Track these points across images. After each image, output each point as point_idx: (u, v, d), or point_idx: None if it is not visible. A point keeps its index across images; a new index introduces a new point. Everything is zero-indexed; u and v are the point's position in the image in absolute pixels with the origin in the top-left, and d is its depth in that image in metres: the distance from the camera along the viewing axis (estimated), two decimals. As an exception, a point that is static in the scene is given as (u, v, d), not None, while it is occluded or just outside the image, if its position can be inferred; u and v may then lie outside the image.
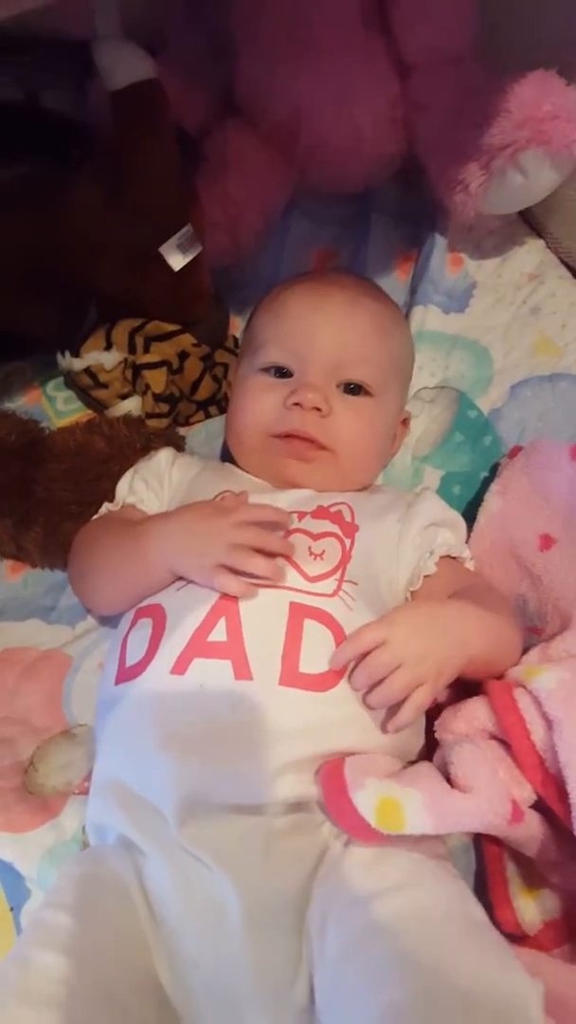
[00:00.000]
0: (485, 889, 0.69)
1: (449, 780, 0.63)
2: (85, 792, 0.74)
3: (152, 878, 0.61)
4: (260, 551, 0.68)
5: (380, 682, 0.63)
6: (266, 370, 0.82)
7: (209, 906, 0.59)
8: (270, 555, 0.69)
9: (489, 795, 0.62)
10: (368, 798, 0.58)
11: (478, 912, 0.58)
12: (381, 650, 0.63)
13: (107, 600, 0.79)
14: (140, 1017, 0.57)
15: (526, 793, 0.64)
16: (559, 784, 0.62)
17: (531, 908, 0.68)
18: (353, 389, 0.80)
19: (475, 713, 0.68)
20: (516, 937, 0.67)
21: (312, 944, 0.58)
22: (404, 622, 0.65)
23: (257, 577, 0.67)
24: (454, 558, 0.77)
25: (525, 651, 0.73)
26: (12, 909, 0.73)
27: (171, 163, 0.82)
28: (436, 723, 0.70)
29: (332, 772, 0.61)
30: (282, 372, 0.81)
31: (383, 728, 0.65)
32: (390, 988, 0.50)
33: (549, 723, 0.63)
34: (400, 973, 0.51)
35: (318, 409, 0.78)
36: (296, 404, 0.78)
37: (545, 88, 0.82)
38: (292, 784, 0.61)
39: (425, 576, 0.74)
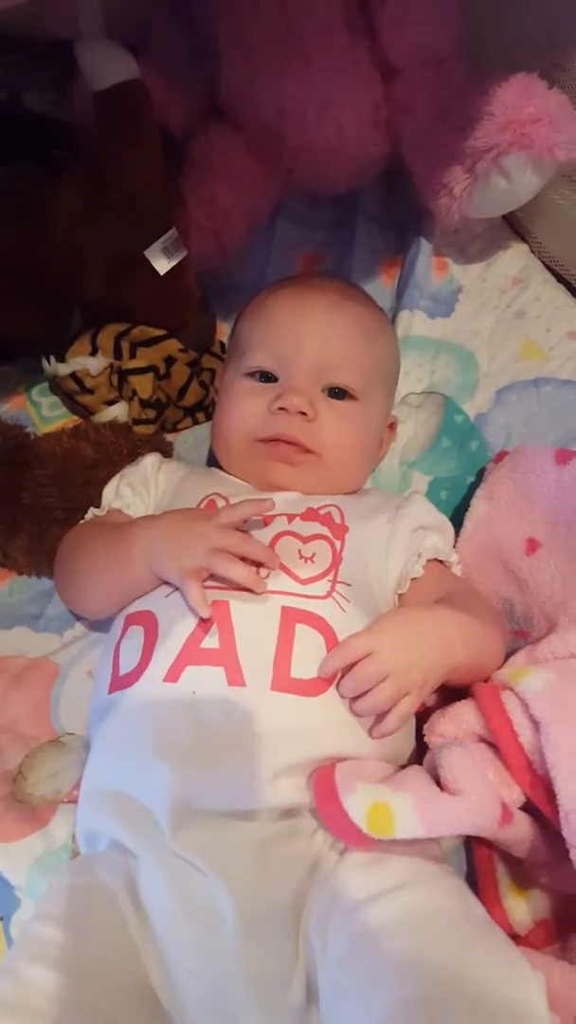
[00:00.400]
0: (476, 891, 0.70)
1: (439, 783, 0.63)
2: (74, 801, 0.74)
3: (145, 884, 0.61)
4: (242, 558, 0.68)
5: (367, 691, 0.63)
6: (251, 375, 0.82)
7: (203, 911, 0.59)
8: (255, 563, 0.69)
9: (479, 798, 0.62)
10: (358, 803, 0.59)
11: (478, 909, 0.59)
12: (368, 661, 0.63)
13: (94, 603, 0.79)
14: None
15: (515, 795, 0.64)
16: (547, 785, 0.62)
17: (521, 908, 0.68)
18: (338, 393, 0.81)
19: (463, 716, 0.68)
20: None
21: (313, 949, 0.58)
22: (391, 632, 0.65)
23: (236, 584, 0.67)
24: (441, 562, 0.78)
25: (511, 654, 0.73)
26: (2, 918, 0.72)
27: (155, 164, 0.82)
28: (425, 726, 0.70)
29: (323, 777, 0.61)
30: (267, 376, 0.81)
31: (371, 733, 0.65)
32: (399, 987, 0.51)
33: (536, 725, 0.63)
34: (408, 972, 0.51)
35: (303, 413, 0.78)
36: (282, 408, 0.78)
37: (528, 91, 0.82)
38: (286, 790, 0.61)
39: (412, 579, 0.74)
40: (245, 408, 0.81)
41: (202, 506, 0.78)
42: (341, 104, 0.89)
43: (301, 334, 0.80)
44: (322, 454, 0.79)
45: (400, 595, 0.75)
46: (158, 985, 0.59)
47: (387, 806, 0.59)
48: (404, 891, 0.57)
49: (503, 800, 0.63)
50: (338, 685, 0.65)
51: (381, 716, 0.65)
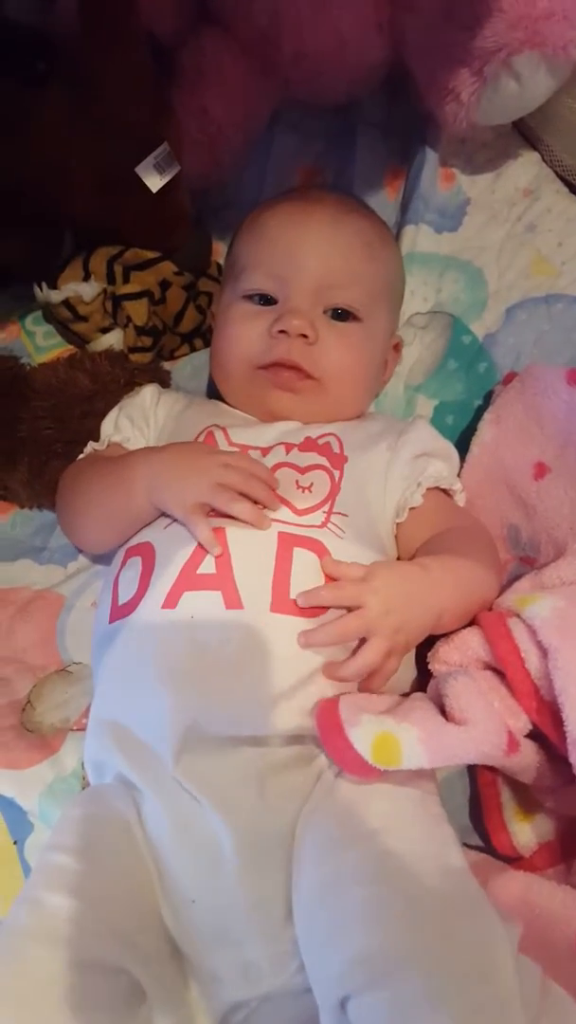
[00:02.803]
0: (480, 815, 0.71)
1: (444, 712, 0.63)
2: (83, 729, 0.74)
3: (148, 816, 0.62)
4: (244, 495, 0.67)
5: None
6: (249, 297, 0.79)
7: (204, 843, 0.59)
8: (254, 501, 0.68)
9: (485, 727, 0.61)
10: (364, 734, 0.58)
11: (455, 859, 0.57)
12: (356, 616, 0.63)
13: (95, 537, 0.79)
14: (149, 951, 0.58)
15: (521, 722, 0.64)
16: (554, 711, 0.61)
17: (526, 831, 0.69)
18: (340, 314, 0.78)
19: (468, 643, 0.67)
20: (512, 859, 0.69)
21: (292, 882, 0.58)
22: (384, 593, 0.64)
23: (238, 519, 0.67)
24: (444, 490, 0.76)
25: (516, 579, 0.72)
26: (16, 843, 0.74)
27: (143, 74, 0.78)
28: (429, 654, 0.69)
29: (327, 710, 0.61)
30: (266, 299, 0.79)
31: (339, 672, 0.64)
32: (359, 936, 0.51)
33: (544, 651, 0.62)
34: (369, 922, 0.51)
35: (304, 336, 0.75)
36: (281, 332, 0.75)
37: (541, -18, 0.77)
38: (288, 714, 0.61)
39: (411, 508, 0.73)
40: (243, 333, 0.78)
41: (200, 438, 0.77)
42: (339, 5, 0.83)
43: (299, 252, 0.77)
44: (323, 379, 0.77)
45: (399, 524, 0.74)
46: (166, 914, 0.60)
47: (393, 737, 0.58)
48: (379, 837, 0.56)
49: (509, 728, 0.63)
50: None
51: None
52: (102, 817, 0.63)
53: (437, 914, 0.51)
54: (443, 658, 0.68)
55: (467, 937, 0.51)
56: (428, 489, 0.74)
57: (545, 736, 0.63)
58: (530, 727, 0.64)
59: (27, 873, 0.73)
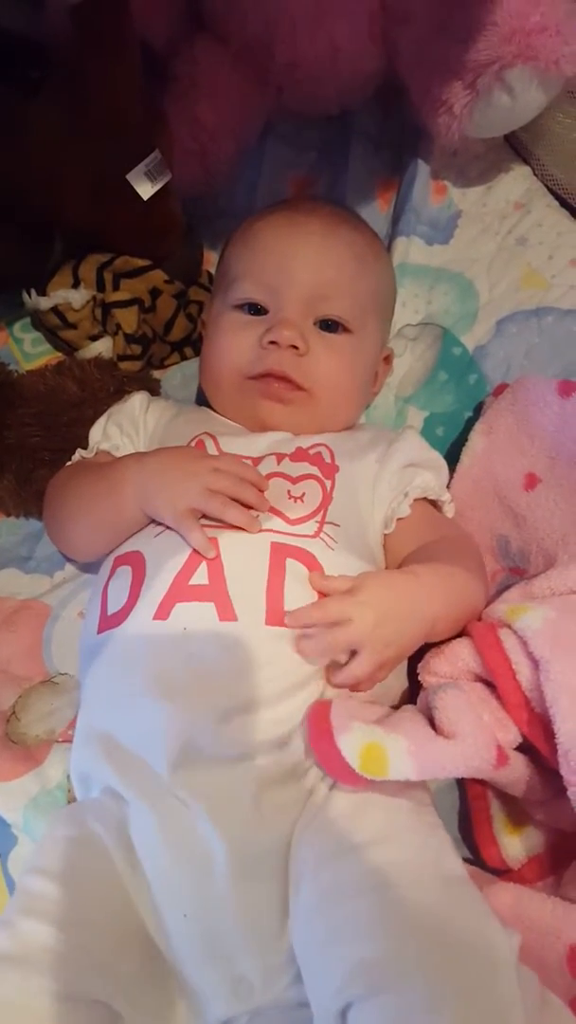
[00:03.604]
0: (470, 828, 0.70)
1: (433, 725, 0.62)
2: (69, 740, 0.74)
3: (137, 830, 0.61)
4: (235, 500, 0.67)
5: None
6: (240, 307, 0.79)
7: (196, 855, 0.59)
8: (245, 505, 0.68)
9: (474, 740, 0.61)
10: (353, 742, 0.58)
11: (453, 866, 0.57)
12: (344, 630, 0.61)
13: (84, 544, 0.78)
14: (129, 976, 0.57)
15: (511, 735, 0.63)
16: (545, 724, 0.61)
17: (516, 844, 0.68)
18: (330, 326, 0.78)
19: (459, 654, 0.67)
20: (501, 871, 0.68)
21: (290, 894, 0.58)
22: (375, 606, 0.63)
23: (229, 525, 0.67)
24: (432, 501, 0.76)
25: (505, 590, 0.72)
26: (-1, 856, 0.73)
27: (136, 81, 0.78)
28: (419, 666, 0.69)
29: (318, 715, 0.61)
30: (256, 309, 0.78)
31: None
32: (359, 945, 0.51)
33: (535, 663, 0.62)
34: (368, 931, 0.51)
35: (295, 347, 0.75)
36: (272, 343, 0.75)
37: (534, -3, 0.77)
38: (281, 725, 0.61)
39: (398, 519, 0.73)
40: (234, 343, 0.78)
41: (191, 445, 0.76)
42: (334, 14, 0.84)
43: (291, 262, 0.77)
44: (313, 391, 0.77)
45: (386, 535, 0.74)
46: (155, 932, 0.59)
47: (381, 747, 0.58)
48: (377, 847, 0.56)
49: (499, 742, 0.62)
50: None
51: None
52: (82, 840, 0.61)
53: (438, 921, 0.51)
54: (433, 670, 0.68)
55: (468, 944, 0.51)
56: (415, 500, 0.74)
57: (535, 748, 0.63)
58: (520, 739, 0.64)
59: (10, 886, 0.72)
